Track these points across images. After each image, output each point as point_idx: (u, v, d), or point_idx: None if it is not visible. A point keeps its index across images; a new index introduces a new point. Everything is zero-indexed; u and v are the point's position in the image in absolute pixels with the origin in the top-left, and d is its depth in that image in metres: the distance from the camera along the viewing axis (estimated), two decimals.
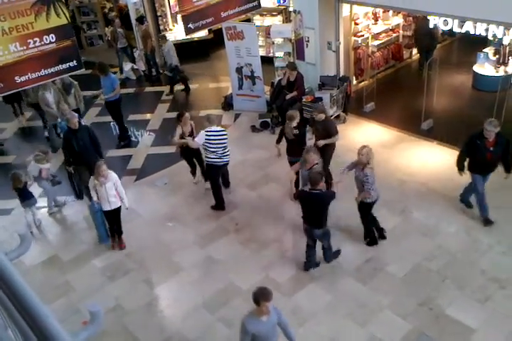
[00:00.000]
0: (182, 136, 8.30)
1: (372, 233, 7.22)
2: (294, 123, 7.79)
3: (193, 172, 9.15)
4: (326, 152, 8.00)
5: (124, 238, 7.73)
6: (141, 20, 13.60)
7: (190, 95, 12.86)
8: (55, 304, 6.55)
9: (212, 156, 7.93)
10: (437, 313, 6.10)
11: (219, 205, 8.39)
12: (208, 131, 7.82)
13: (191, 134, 8.41)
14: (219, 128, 8.04)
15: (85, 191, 8.40)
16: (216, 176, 8.26)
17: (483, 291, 6.34)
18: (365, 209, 6.97)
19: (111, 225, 7.61)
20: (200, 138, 7.85)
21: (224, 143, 7.94)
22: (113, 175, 7.14)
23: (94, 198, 7.21)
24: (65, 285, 7.14)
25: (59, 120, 9.74)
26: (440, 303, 6.22)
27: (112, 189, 7.10)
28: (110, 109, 10.59)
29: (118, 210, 7.38)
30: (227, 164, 8.23)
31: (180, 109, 11.82)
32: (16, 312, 1.17)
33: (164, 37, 12.90)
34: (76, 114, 8.72)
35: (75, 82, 10.37)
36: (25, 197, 8.15)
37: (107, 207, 7.24)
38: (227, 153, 8.03)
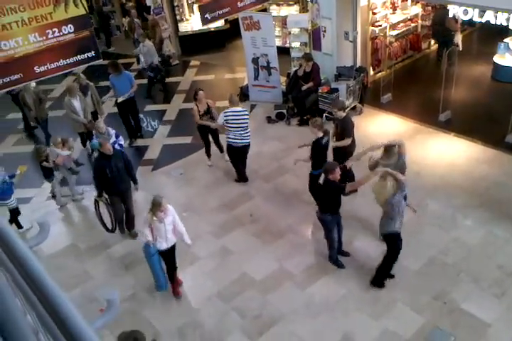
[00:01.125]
0: (200, 115, 8.61)
1: (388, 272, 6.43)
2: (321, 133, 7.26)
3: (208, 152, 9.25)
4: (345, 153, 7.60)
5: (180, 280, 6.81)
6: (147, 10, 13.60)
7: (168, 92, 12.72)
8: (72, 292, 6.66)
9: (231, 136, 8.17)
10: (452, 307, 6.07)
11: (242, 178, 8.78)
12: (227, 112, 8.06)
13: (208, 112, 8.62)
14: (239, 109, 8.23)
15: (119, 224, 7.72)
16: (236, 157, 8.51)
17: (499, 285, 6.29)
18: (397, 243, 6.12)
19: (168, 265, 6.58)
20: (219, 120, 8.16)
21: (244, 123, 8.13)
22: (171, 209, 6.28)
23: (149, 238, 6.17)
24: (82, 273, 7.26)
25: (94, 140, 8.22)
26: (455, 297, 6.19)
27: (171, 224, 6.27)
28: (131, 106, 10.17)
29: (174, 247, 6.48)
30: (248, 146, 8.38)
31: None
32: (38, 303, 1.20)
33: (145, 34, 12.58)
34: (109, 136, 8.16)
35: (91, 83, 10.14)
36: (46, 175, 8.55)
37: (164, 246, 6.27)
38: (248, 134, 8.23)
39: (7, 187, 7.63)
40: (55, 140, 8.40)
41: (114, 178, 7.13)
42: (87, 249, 7.76)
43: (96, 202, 7.51)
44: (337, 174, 6.12)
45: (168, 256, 6.44)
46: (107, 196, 7.42)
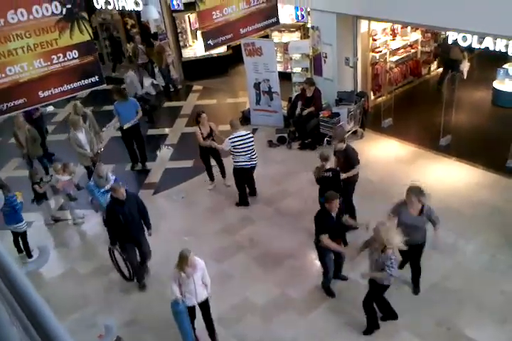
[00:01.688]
0: (203, 137, 8.65)
1: (375, 321, 6.11)
2: (328, 165, 7.18)
3: (210, 175, 9.29)
4: (348, 183, 7.49)
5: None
6: (155, 36, 13.84)
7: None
8: (71, 317, 6.58)
9: (240, 160, 8.29)
10: (455, 333, 5.98)
11: (243, 202, 8.80)
12: (233, 138, 8.16)
13: (210, 135, 8.70)
14: (244, 132, 8.35)
15: (136, 273, 7.21)
16: (243, 179, 8.58)
17: (502, 312, 6.21)
18: (378, 291, 5.92)
19: (206, 321, 6.14)
20: (225, 146, 8.27)
21: (251, 145, 8.29)
22: (201, 262, 5.78)
23: (177, 294, 5.66)
24: (81, 298, 7.18)
25: (91, 182, 7.93)
26: (458, 323, 6.11)
27: (200, 278, 5.78)
28: (136, 133, 10.12)
29: (207, 302, 6.02)
30: (255, 167, 8.52)
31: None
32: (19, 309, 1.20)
33: (129, 66, 12.63)
34: (107, 181, 7.75)
35: (89, 113, 9.95)
36: (37, 198, 8.54)
37: (193, 302, 5.83)
38: (256, 155, 8.41)
39: (15, 210, 7.63)
40: (56, 166, 8.50)
41: (128, 225, 6.66)
42: (86, 273, 7.70)
43: (110, 249, 7.12)
44: (333, 205, 6.06)
45: (203, 310, 6.00)
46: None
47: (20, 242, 7.84)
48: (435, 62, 13.35)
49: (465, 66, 12.03)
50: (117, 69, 16.12)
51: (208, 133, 8.73)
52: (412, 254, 6.28)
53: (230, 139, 8.17)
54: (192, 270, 5.60)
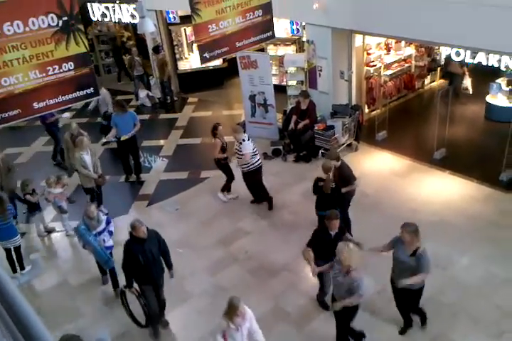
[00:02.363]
0: (223, 148, 8.80)
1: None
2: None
3: (230, 185, 9.34)
4: (344, 198, 7.52)
5: None
6: (156, 49, 13.93)
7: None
8: (63, 328, 6.49)
9: (257, 158, 8.63)
10: None
11: (268, 199, 9.00)
12: (247, 140, 8.49)
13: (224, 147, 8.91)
14: (247, 134, 8.71)
15: (153, 320, 6.48)
16: (260, 177, 8.82)
17: (497, 326, 6.18)
18: (348, 316, 5.69)
19: None
20: (248, 150, 8.47)
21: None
22: (249, 312, 5.20)
23: None
24: (74, 310, 7.11)
25: (82, 226, 6.91)
26: (453, 338, 6.07)
27: (247, 329, 5.24)
28: (132, 144, 10.14)
29: None
30: None
31: (195, 134, 12.07)
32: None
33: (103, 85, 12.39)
34: (98, 223, 6.99)
35: (85, 133, 9.60)
36: (30, 209, 8.53)
37: None
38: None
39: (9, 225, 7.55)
40: (48, 179, 8.45)
41: (148, 265, 6.02)
42: (79, 285, 7.63)
43: (122, 292, 6.40)
44: (333, 224, 5.99)
45: None
46: (136, 286, 6.31)
47: (14, 255, 7.72)
48: (429, 77, 13.49)
49: (468, 82, 12.25)
50: (122, 78, 16.13)
51: (225, 143, 8.93)
52: (410, 298, 5.96)
53: (247, 141, 8.48)
54: (242, 320, 5.04)
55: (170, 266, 6.38)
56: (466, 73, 12.36)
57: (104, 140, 11.64)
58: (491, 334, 6.09)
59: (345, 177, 7.41)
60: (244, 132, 8.76)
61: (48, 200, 8.50)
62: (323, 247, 5.98)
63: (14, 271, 7.67)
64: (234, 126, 8.93)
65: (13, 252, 7.65)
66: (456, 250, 7.53)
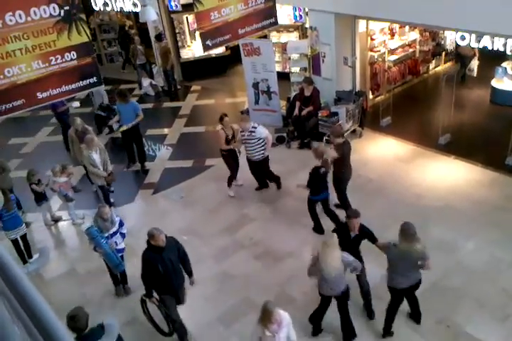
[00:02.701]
0: (227, 140, 8.60)
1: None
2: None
3: (234, 179, 9.21)
4: (341, 182, 7.79)
5: None
6: (159, 37, 13.86)
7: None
8: None
9: (265, 147, 8.61)
10: (456, 331, 5.99)
11: (276, 180, 9.09)
12: (258, 127, 8.45)
13: (233, 137, 8.74)
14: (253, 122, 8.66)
15: (178, 329, 6.17)
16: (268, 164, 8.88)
17: (503, 309, 6.21)
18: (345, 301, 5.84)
19: None
20: (265, 131, 8.49)
21: None
22: (286, 317, 4.88)
23: None
24: (82, 298, 7.19)
25: (94, 228, 6.54)
26: (458, 321, 6.11)
27: (285, 337, 4.95)
28: (134, 133, 10.16)
29: None
30: None
31: (199, 122, 12.06)
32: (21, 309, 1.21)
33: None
34: (112, 224, 6.74)
35: (90, 129, 9.46)
36: (37, 198, 8.53)
37: None
38: None
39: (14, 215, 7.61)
40: (54, 168, 8.50)
41: (167, 275, 5.75)
42: (86, 273, 7.71)
43: (143, 301, 6.10)
44: (354, 224, 5.82)
45: None
46: (156, 296, 6.02)
47: (21, 244, 7.81)
48: (433, 61, 13.38)
49: (475, 64, 12.14)
50: (126, 67, 16.05)
51: (232, 134, 8.73)
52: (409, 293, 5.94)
53: (258, 127, 8.44)
54: (277, 327, 4.74)
55: (190, 274, 6.11)
56: (477, 55, 12.25)
57: (106, 130, 11.64)
58: (496, 317, 6.12)
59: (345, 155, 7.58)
60: None
61: (53, 190, 8.55)
62: (342, 247, 5.64)
63: (24, 261, 7.76)
64: (241, 116, 8.88)
65: (20, 242, 7.74)
66: (461, 235, 7.55)
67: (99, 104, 11.81)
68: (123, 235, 6.92)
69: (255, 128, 8.44)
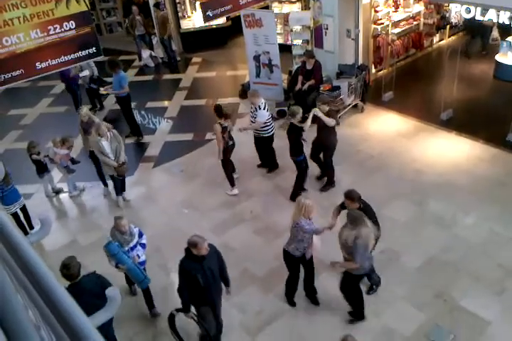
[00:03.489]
0: (223, 129, 7.93)
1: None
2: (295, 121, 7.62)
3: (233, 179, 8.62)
4: (327, 148, 8.02)
5: None
6: (157, 5, 13.61)
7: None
8: None
9: (269, 127, 8.50)
10: (452, 305, 6.08)
11: (271, 165, 9.00)
12: (262, 109, 8.26)
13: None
14: (264, 101, 8.48)
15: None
16: (272, 145, 8.76)
17: (499, 284, 6.29)
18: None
19: None
20: (263, 116, 8.30)
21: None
22: None
23: None
24: (83, 269, 7.24)
25: (115, 244, 5.77)
26: (455, 295, 6.20)
27: None
28: (120, 105, 10.36)
29: None
30: None
31: (200, 95, 11.93)
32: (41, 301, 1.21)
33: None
34: (131, 236, 6.07)
35: (97, 120, 8.67)
36: (39, 170, 8.49)
37: None
38: None
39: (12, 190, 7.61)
40: (54, 139, 8.45)
41: (207, 286, 5.23)
42: (88, 244, 7.76)
43: (172, 316, 5.50)
44: (354, 205, 5.74)
45: None
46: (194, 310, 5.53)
47: (21, 216, 7.84)
48: (437, 35, 13.18)
49: (496, 32, 12.01)
50: (116, 39, 15.82)
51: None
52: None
53: (262, 109, 8.27)
54: None
55: (227, 283, 5.61)
56: (495, 24, 12.07)
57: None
58: (492, 291, 6.20)
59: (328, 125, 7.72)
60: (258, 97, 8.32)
61: (53, 161, 8.51)
62: None
63: (26, 233, 7.80)
64: (251, 91, 8.67)
65: (20, 214, 7.77)
66: (460, 210, 7.59)
67: (90, 76, 11.43)
68: (143, 246, 6.20)
69: (259, 108, 8.26)
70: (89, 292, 4.78)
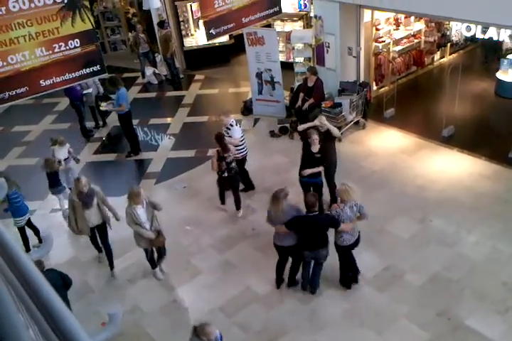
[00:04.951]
0: (220, 159, 7.88)
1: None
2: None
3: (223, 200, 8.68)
4: (330, 165, 7.87)
5: None
6: (161, 24, 13.77)
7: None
8: (74, 305, 6.61)
9: (242, 147, 8.43)
10: (456, 324, 6.01)
11: (251, 185, 8.94)
12: (234, 126, 8.28)
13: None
14: (234, 120, 8.56)
15: None
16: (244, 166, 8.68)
17: (503, 302, 6.23)
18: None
19: None
20: (237, 133, 8.28)
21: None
22: None
23: None
24: (84, 286, 7.23)
25: None
26: (459, 314, 6.14)
27: None
28: (120, 122, 10.47)
29: None
30: None
31: (202, 112, 12.00)
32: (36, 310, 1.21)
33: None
34: None
35: (98, 189, 7.12)
36: (56, 184, 8.50)
37: None
38: None
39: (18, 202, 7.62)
40: (59, 139, 8.87)
41: None
42: (89, 261, 7.74)
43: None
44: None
45: None
46: None
47: (29, 230, 7.86)
48: (438, 52, 13.29)
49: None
50: (120, 58, 15.96)
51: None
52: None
53: (235, 126, 8.27)
54: None
55: None
56: None
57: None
58: (496, 310, 6.14)
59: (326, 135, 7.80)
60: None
61: (71, 156, 8.85)
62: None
63: (28, 250, 7.79)
64: (224, 109, 8.72)
65: (26, 228, 7.78)
66: (463, 227, 7.55)
67: (95, 95, 11.53)
68: None
69: (232, 126, 8.26)
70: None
